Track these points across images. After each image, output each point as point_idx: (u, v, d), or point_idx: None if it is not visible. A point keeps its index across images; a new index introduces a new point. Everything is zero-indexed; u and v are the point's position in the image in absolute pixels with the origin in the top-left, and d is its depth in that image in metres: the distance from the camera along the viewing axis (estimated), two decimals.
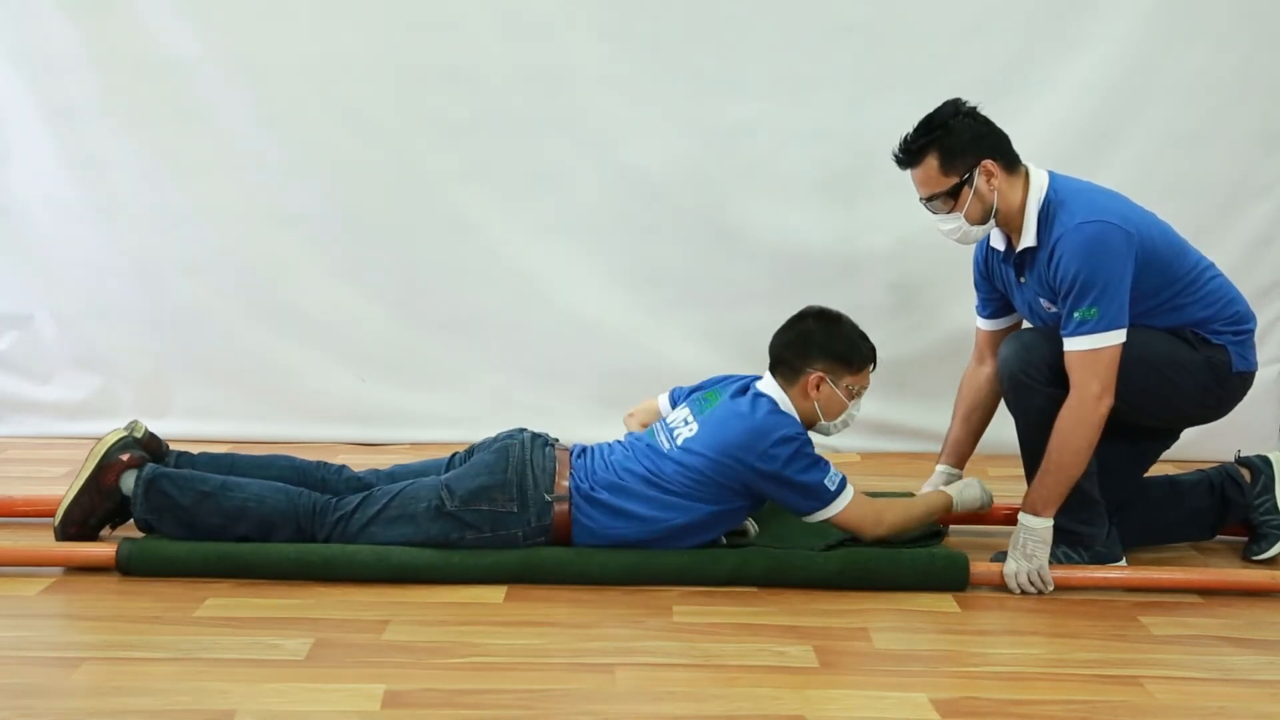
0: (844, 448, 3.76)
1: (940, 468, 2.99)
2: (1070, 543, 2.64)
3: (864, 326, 3.76)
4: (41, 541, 2.62)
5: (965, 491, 2.74)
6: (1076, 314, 2.48)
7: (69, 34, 3.61)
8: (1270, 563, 2.80)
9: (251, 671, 2.08)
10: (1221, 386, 2.64)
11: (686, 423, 2.65)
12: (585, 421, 3.72)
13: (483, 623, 2.33)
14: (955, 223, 2.61)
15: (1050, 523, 2.54)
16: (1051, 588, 2.54)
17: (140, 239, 3.74)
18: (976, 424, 2.94)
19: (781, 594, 2.51)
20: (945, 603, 2.50)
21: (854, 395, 2.66)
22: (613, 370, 3.85)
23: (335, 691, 2.01)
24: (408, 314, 3.83)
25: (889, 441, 3.81)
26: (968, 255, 2.89)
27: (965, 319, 3.65)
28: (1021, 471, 2.68)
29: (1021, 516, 2.57)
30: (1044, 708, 2.04)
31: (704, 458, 2.55)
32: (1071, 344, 2.50)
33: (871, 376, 2.71)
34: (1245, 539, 2.89)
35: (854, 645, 2.27)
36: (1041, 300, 2.63)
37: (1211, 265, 2.68)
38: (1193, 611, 2.52)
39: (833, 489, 2.54)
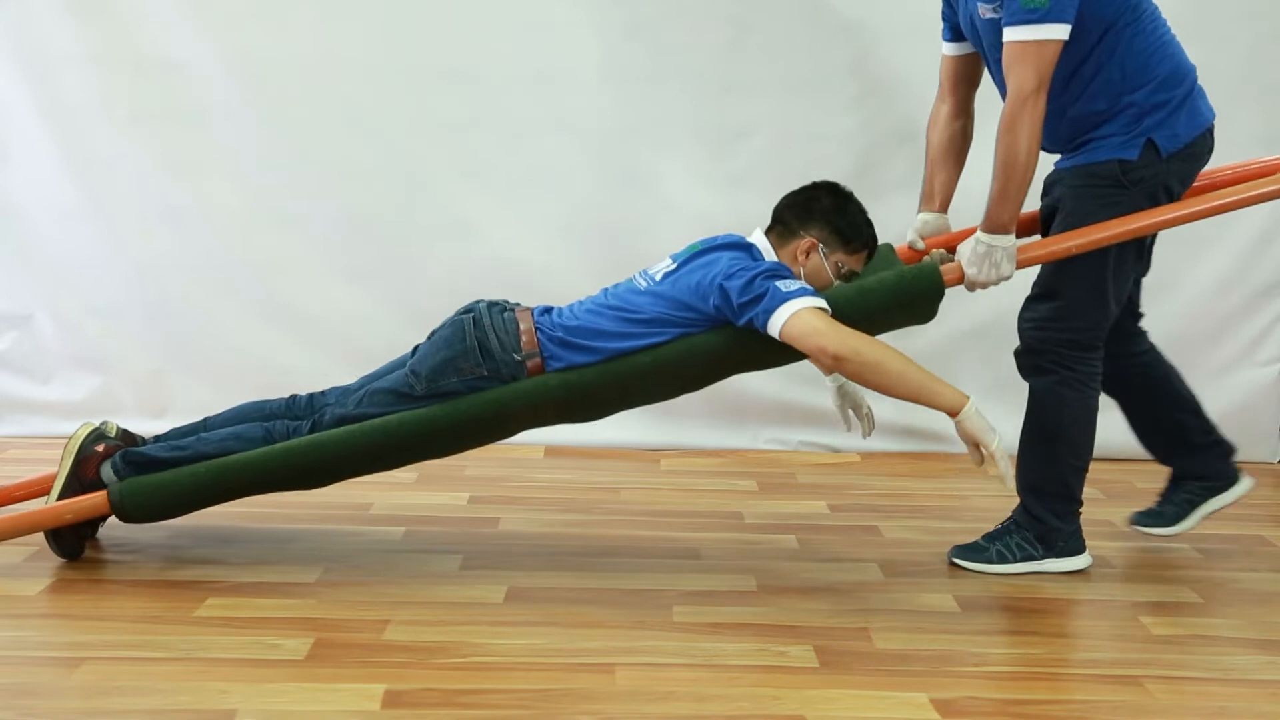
0: (844, 447, 3.76)
1: (923, 214, 2.81)
2: (1039, 534, 2.66)
3: None
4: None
5: (981, 417, 2.39)
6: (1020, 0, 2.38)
7: (69, 34, 3.61)
8: None
9: (251, 671, 2.08)
10: (1164, 185, 2.55)
11: (665, 265, 2.61)
12: None
13: (483, 623, 2.33)
14: None
15: (1013, 237, 2.48)
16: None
17: (140, 239, 3.74)
18: (952, 164, 2.81)
19: (782, 594, 2.52)
20: (945, 602, 2.50)
21: (842, 275, 2.57)
22: None
23: (335, 691, 2.01)
24: (408, 314, 3.82)
25: (890, 441, 3.79)
26: None
27: (964, 318, 3.68)
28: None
29: (985, 235, 2.47)
30: (1043, 708, 2.04)
31: (680, 284, 2.51)
32: (1012, 33, 2.41)
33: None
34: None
35: (854, 645, 2.27)
36: (979, 4, 2.51)
37: (1155, 11, 2.59)
38: (1193, 611, 2.52)
39: (793, 288, 2.38)
